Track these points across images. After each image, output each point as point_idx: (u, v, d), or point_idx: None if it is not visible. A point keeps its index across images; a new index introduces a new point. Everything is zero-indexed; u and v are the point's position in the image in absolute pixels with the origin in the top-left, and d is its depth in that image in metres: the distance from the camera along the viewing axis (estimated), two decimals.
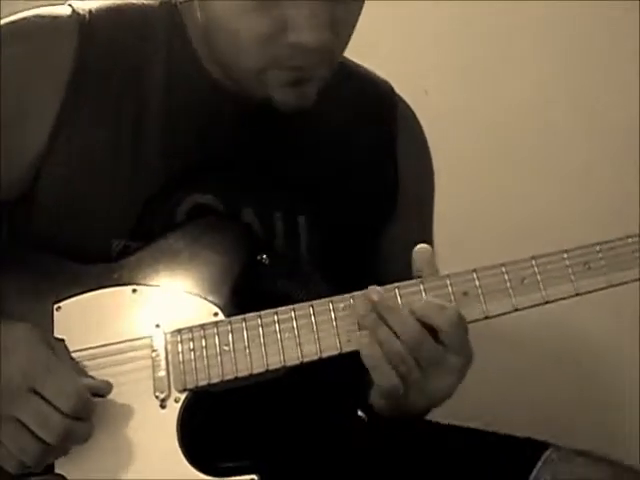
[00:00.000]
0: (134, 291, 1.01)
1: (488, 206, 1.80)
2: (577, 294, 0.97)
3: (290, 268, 1.08)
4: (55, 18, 1.06)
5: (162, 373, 0.98)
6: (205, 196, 1.07)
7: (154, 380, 0.98)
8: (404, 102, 1.23)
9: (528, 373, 1.78)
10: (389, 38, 1.77)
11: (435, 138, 1.26)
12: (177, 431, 0.97)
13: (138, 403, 0.98)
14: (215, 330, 0.99)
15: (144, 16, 1.10)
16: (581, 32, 1.77)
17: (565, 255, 0.97)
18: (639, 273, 0.98)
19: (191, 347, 0.98)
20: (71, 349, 0.98)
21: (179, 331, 0.99)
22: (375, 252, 1.17)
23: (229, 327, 0.98)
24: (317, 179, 1.12)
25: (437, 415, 1.05)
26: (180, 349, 0.98)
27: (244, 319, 0.98)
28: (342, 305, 0.98)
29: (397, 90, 1.23)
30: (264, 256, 1.05)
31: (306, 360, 0.97)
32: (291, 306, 0.98)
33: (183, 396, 0.98)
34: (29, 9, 1.08)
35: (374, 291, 0.96)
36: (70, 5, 1.08)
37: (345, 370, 1.03)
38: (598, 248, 0.98)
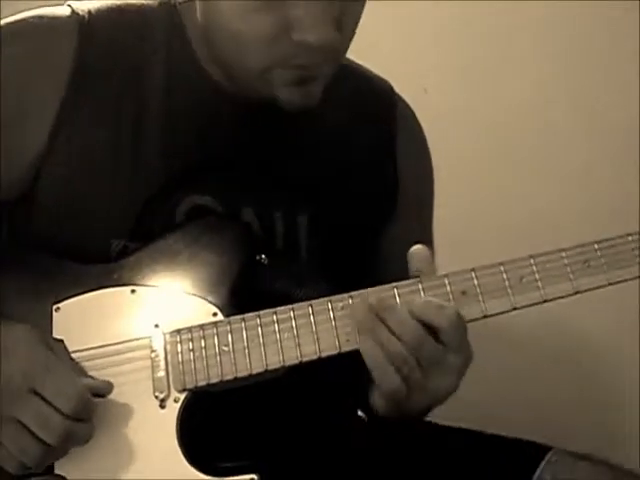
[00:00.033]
0: (133, 291, 1.01)
1: (488, 206, 1.80)
2: (576, 292, 0.97)
3: (289, 268, 1.08)
4: (55, 18, 1.07)
5: (161, 373, 0.98)
6: (204, 197, 1.07)
7: (153, 380, 0.98)
8: (403, 101, 1.23)
9: (527, 373, 1.78)
10: (389, 38, 1.77)
11: (435, 138, 1.26)
12: (177, 431, 0.97)
13: (137, 403, 0.98)
14: (214, 330, 0.99)
15: (143, 16, 1.10)
16: (581, 32, 1.77)
17: (564, 254, 0.97)
18: (639, 271, 0.98)
19: (190, 347, 0.98)
20: (70, 350, 0.98)
21: (178, 331, 0.99)
22: (375, 252, 1.17)
23: (228, 327, 0.98)
24: (317, 179, 1.12)
25: (435, 414, 1.05)
26: (179, 349, 0.98)
27: (243, 319, 0.98)
28: (341, 305, 0.98)
29: (397, 89, 1.23)
30: (263, 256, 1.05)
31: (305, 360, 0.97)
32: (290, 306, 0.98)
33: (182, 396, 0.98)
34: (30, 9, 1.08)
35: (371, 293, 0.96)
36: (70, 5, 1.08)
37: (345, 370, 1.03)
38: (597, 246, 0.98)
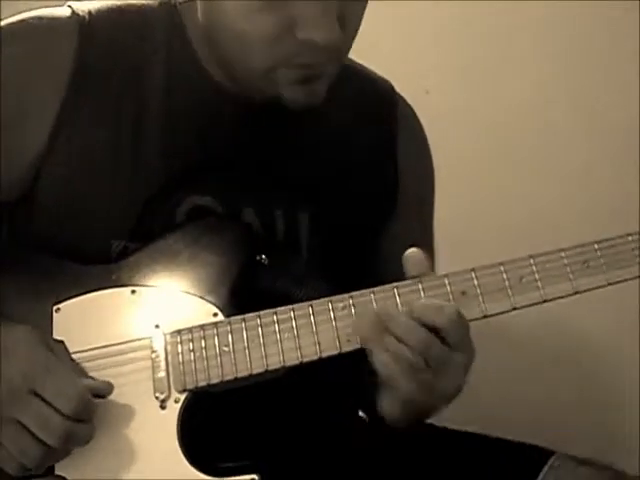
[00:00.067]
0: (133, 292, 1.01)
1: (488, 206, 1.80)
2: (576, 293, 0.97)
3: (290, 268, 1.08)
4: (55, 19, 1.07)
5: (162, 374, 0.98)
6: (204, 198, 1.07)
7: (154, 381, 0.98)
8: (404, 101, 1.23)
9: (527, 373, 1.78)
10: (390, 38, 1.77)
11: (436, 138, 1.26)
12: (177, 431, 0.97)
13: (138, 404, 0.98)
14: (215, 331, 0.99)
15: (144, 16, 1.10)
16: (581, 32, 1.77)
17: (563, 254, 0.97)
18: (639, 271, 0.98)
19: (191, 348, 0.98)
20: (71, 350, 0.98)
21: (179, 332, 0.99)
22: (375, 252, 1.17)
23: (228, 327, 0.98)
24: (317, 179, 1.12)
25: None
26: (180, 350, 0.98)
27: (243, 319, 0.98)
28: (341, 305, 0.98)
29: (398, 90, 1.23)
30: (263, 256, 1.05)
31: (306, 360, 0.97)
32: (290, 306, 0.98)
33: (183, 397, 0.98)
34: (30, 10, 1.08)
35: (371, 308, 0.96)
36: (70, 6, 1.08)
37: (345, 370, 1.03)
38: (597, 246, 0.98)
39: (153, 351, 0.99)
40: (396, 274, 0.99)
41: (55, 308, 1.00)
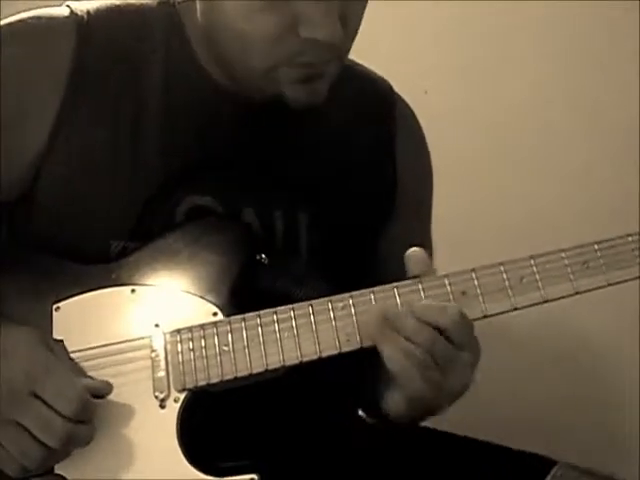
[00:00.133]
0: (133, 291, 1.01)
1: (487, 206, 1.80)
2: (576, 293, 0.97)
3: (289, 268, 1.08)
4: (53, 19, 1.07)
5: (161, 373, 0.98)
6: (204, 197, 1.07)
7: (153, 380, 0.98)
8: (403, 101, 1.23)
9: (527, 373, 1.78)
10: (388, 38, 1.77)
11: (434, 138, 1.26)
12: (177, 431, 0.97)
13: (138, 403, 0.98)
14: (214, 330, 0.99)
15: (142, 16, 1.10)
16: (581, 32, 1.77)
17: (563, 254, 0.98)
18: (639, 271, 0.98)
19: (190, 347, 0.98)
20: (70, 349, 0.98)
21: (178, 331, 0.99)
22: (374, 252, 1.17)
23: (228, 327, 0.98)
24: (317, 179, 1.12)
25: None
26: (179, 349, 0.98)
27: (243, 319, 0.98)
28: (341, 305, 0.98)
29: (397, 90, 1.23)
30: (263, 256, 1.05)
31: (305, 360, 0.97)
32: (290, 306, 0.98)
33: (182, 396, 0.98)
34: (30, 10, 1.08)
35: (375, 307, 0.96)
36: (68, 6, 1.08)
37: (345, 370, 1.03)
38: (597, 247, 0.98)
39: (153, 350, 0.98)
40: (395, 274, 0.99)
41: (55, 307, 1.00)
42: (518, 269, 0.97)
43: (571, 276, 0.97)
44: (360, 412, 1.19)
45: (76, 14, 1.07)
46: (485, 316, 0.97)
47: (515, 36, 1.80)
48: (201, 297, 1.00)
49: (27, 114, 1.04)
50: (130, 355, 0.98)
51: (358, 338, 0.97)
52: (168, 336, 0.99)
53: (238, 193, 1.09)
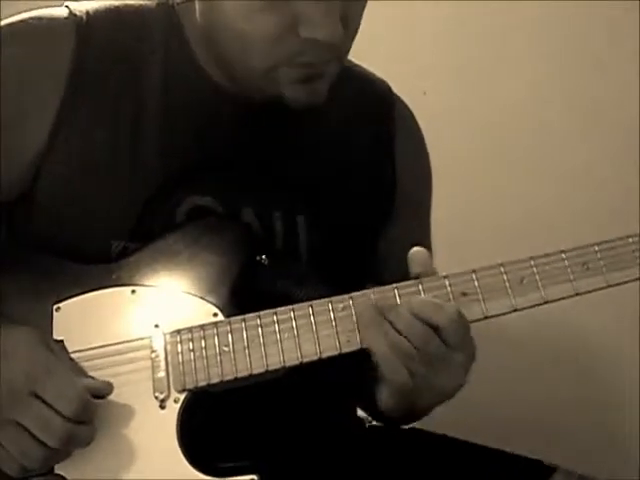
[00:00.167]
0: (133, 292, 1.01)
1: (486, 206, 1.80)
2: (576, 294, 0.97)
3: (289, 268, 1.08)
4: (52, 20, 1.07)
5: (161, 374, 0.98)
6: (204, 198, 1.07)
7: (153, 381, 0.98)
8: (402, 101, 1.23)
9: (527, 373, 1.78)
10: (387, 39, 1.77)
11: (433, 138, 1.26)
12: (177, 431, 0.97)
13: (138, 404, 0.98)
14: (215, 330, 0.99)
15: (141, 17, 1.10)
16: (580, 32, 1.77)
17: (564, 255, 0.98)
18: (639, 273, 0.98)
19: (190, 347, 0.98)
20: (71, 350, 0.98)
21: (178, 332, 0.99)
22: (374, 252, 1.17)
23: (228, 327, 0.98)
24: (316, 179, 1.12)
25: (435, 413, 1.05)
26: (179, 349, 0.98)
27: (243, 319, 0.98)
28: (341, 305, 0.98)
29: (396, 91, 1.23)
30: (263, 257, 1.05)
31: (306, 360, 0.97)
32: (290, 306, 0.98)
33: (182, 396, 0.98)
34: (30, 10, 1.08)
35: (374, 295, 0.96)
36: (67, 7, 1.08)
37: (345, 370, 1.03)
38: (597, 248, 0.98)
39: (153, 351, 0.98)
40: (395, 274, 1.00)
41: (55, 307, 1.00)
42: (518, 270, 0.97)
43: (571, 277, 0.97)
44: (360, 412, 1.19)
45: (75, 15, 1.07)
46: (485, 317, 0.97)
47: (514, 36, 1.80)
48: (201, 298, 1.00)
49: (27, 114, 1.04)
50: (130, 355, 0.98)
51: (358, 339, 0.97)
52: (168, 337, 0.99)
53: (238, 193, 1.09)
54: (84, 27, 1.06)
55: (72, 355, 0.98)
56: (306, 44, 0.98)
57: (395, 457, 1.10)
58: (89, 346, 0.98)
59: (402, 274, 0.99)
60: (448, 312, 0.95)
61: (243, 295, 1.01)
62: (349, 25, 1.00)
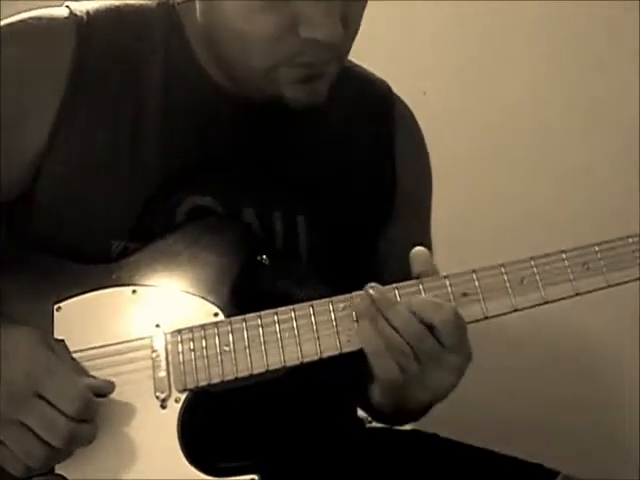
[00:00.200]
0: (134, 292, 1.01)
1: (486, 206, 1.80)
2: (576, 294, 0.97)
3: (290, 268, 1.08)
4: (53, 20, 1.07)
5: (162, 373, 0.98)
6: (204, 198, 1.07)
7: (154, 380, 0.98)
8: (401, 101, 1.23)
9: (527, 372, 1.78)
10: (387, 39, 1.77)
11: (433, 138, 1.26)
12: (177, 431, 0.97)
13: (139, 403, 0.98)
14: (215, 330, 0.99)
15: (142, 17, 1.10)
16: (580, 32, 1.78)
17: (564, 255, 0.98)
18: (639, 273, 0.98)
19: (191, 347, 0.98)
20: (71, 349, 0.98)
21: (179, 331, 0.99)
22: (374, 252, 1.17)
23: (229, 327, 0.98)
24: (316, 179, 1.12)
25: (435, 413, 1.05)
26: (180, 349, 0.98)
27: (244, 319, 0.98)
28: (342, 305, 0.98)
29: (396, 91, 1.23)
30: (264, 257, 1.05)
31: (306, 360, 0.97)
32: (291, 306, 0.98)
33: (183, 396, 0.98)
34: (30, 10, 1.08)
35: (372, 288, 0.96)
36: (68, 7, 1.08)
37: (345, 370, 1.03)
38: (597, 248, 0.98)
39: (154, 351, 0.98)
40: (395, 274, 1.00)
41: (56, 307, 1.00)
42: (519, 270, 0.97)
43: (571, 277, 0.97)
44: (360, 412, 1.19)
45: (76, 15, 1.07)
46: (486, 317, 0.97)
47: (514, 36, 1.80)
48: (202, 298, 1.00)
49: (27, 114, 1.04)
50: (131, 355, 0.98)
51: (358, 339, 0.97)
52: (169, 336, 0.99)
53: (238, 193, 1.09)
54: (84, 27, 1.06)
55: (73, 355, 0.98)
56: (306, 44, 0.98)
57: (395, 458, 1.10)
58: (90, 346, 0.99)
59: (402, 274, 0.99)
60: (446, 312, 0.95)
61: (243, 295, 1.01)
62: (349, 25, 1.00)
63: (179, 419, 0.97)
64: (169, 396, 0.97)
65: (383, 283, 0.98)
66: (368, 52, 1.15)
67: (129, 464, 0.96)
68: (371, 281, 0.99)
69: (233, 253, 1.03)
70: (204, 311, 1.00)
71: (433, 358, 0.95)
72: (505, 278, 0.97)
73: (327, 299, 0.98)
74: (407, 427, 1.15)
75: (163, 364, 0.98)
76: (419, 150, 1.25)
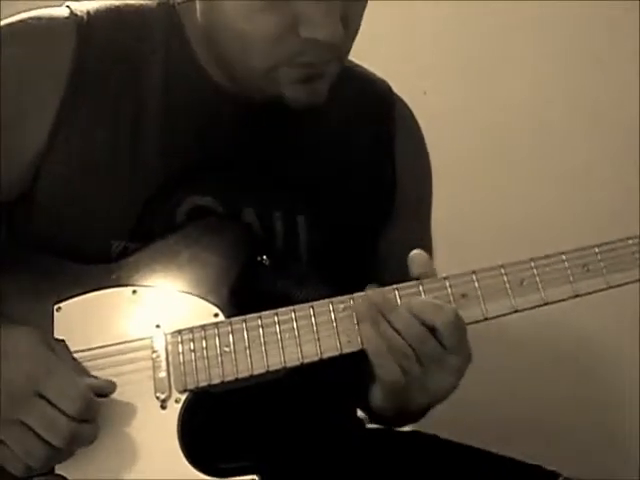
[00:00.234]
0: (134, 292, 1.01)
1: (486, 206, 1.80)
2: (576, 295, 0.97)
3: (290, 269, 1.08)
4: (53, 19, 1.07)
5: (163, 374, 0.98)
6: (204, 198, 1.07)
7: (155, 381, 0.98)
8: (402, 101, 1.23)
9: (527, 373, 1.78)
10: (387, 39, 1.77)
11: (433, 138, 1.26)
12: (178, 432, 0.97)
13: (139, 404, 0.98)
14: (216, 331, 0.99)
15: (142, 17, 1.10)
16: (580, 32, 1.77)
17: (564, 257, 0.98)
18: (639, 274, 0.98)
19: (192, 348, 0.98)
20: (72, 350, 0.98)
21: (179, 332, 0.99)
22: (374, 252, 1.17)
23: (230, 328, 0.98)
24: (317, 179, 1.12)
25: (435, 414, 1.05)
26: (180, 350, 0.98)
27: (244, 320, 0.98)
28: (342, 306, 0.98)
29: (396, 91, 1.23)
30: (264, 257, 1.05)
31: (306, 361, 0.97)
32: (291, 307, 0.98)
33: (184, 397, 0.98)
34: (30, 10, 1.08)
35: (374, 292, 0.96)
36: (68, 6, 1.08)
37: (345, 371, 1.03)
38: (597, 250, 0.98)
39: (154, 351, 0.98)
40: (395, 274, 1.00)
41: (56, 307, 1.00)
42: (518, 271, 0.98)
43: (571, 278, 0.97)
44: (360, 413, 1.19)
45: (76, 15, 1.07)
46: (486, 318, 0.97)
47: (514, 36, 1.80)
48: (202, 298, 1.00)
49: (27, 114, 1.04)
50: (131, 356, 0.98)
51: (359, 339, 0.97)
52: (169, 337, 0.99)
53: (238, 193, 1.09)
54: (85, 27, 1.06)
55: (74, 355, 0.98)
56: (306, 44, 0.98)
57: (395, 459, 1.11)
58: (90, 346, 0.99)
59: (402, 274, 0.99)
60: (447, 314, 0.95)
61: (243, 295, 1.01)
62: (349, 25, 1.00)
63: (179, 419, 0.97)
64: (169, 396, 0.97)
65: (383, 283, 0.98)
66: (368, 52, 1.15)
67: (129, 464, 0.96)
68: (371, 281, 0.99)
69: (233, 253, 1.03)
70: (204, 311, 1.00)
71: (435, 360, 0.95)
72: (505, 279, 0.97)
73: (327, 300, 0.98)
74: (407, 428, 1.15)
75: (163, 364, 0.98)
76: (419, 150, 1.25)
